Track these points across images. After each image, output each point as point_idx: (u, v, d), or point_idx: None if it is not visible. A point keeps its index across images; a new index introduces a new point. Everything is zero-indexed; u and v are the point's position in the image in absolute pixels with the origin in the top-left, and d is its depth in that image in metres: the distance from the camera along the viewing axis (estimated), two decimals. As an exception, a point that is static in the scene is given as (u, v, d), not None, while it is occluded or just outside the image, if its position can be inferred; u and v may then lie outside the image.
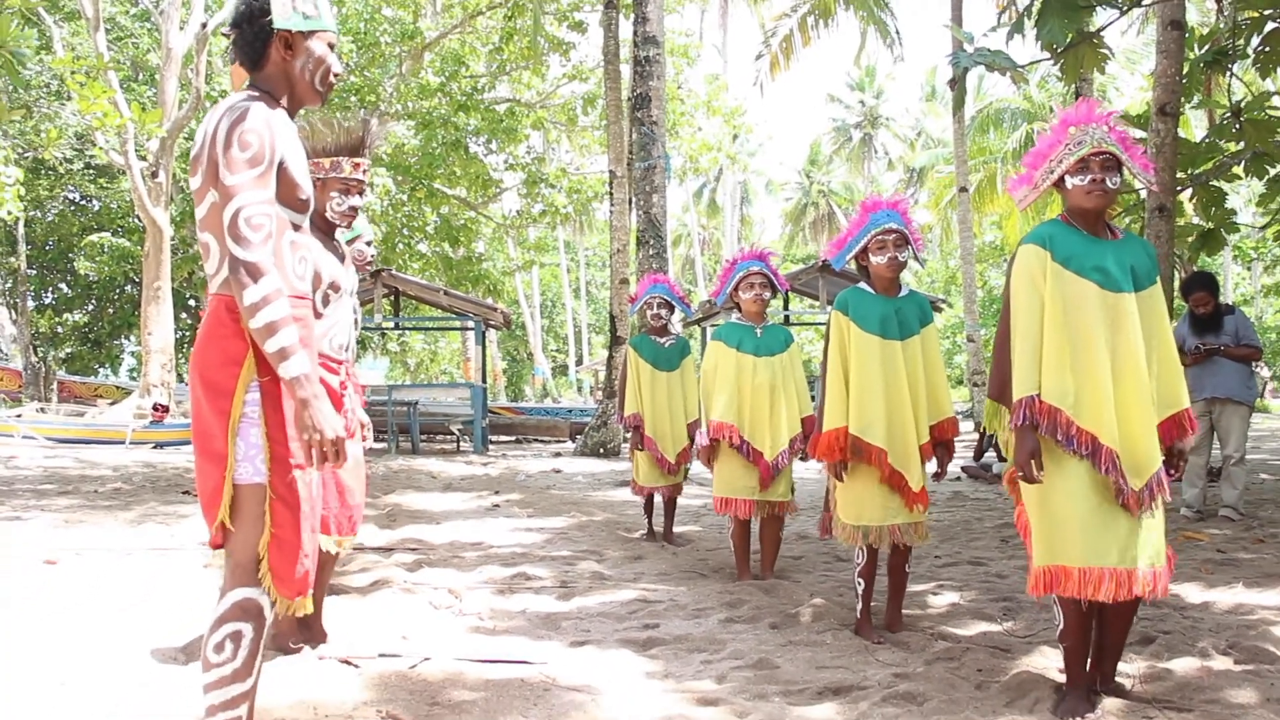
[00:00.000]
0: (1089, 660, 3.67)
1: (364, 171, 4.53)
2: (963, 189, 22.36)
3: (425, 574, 6.31)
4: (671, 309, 7.65)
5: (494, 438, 22.42)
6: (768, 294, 6.12)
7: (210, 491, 2.74)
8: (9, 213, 14.96)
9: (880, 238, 4.68)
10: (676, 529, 8.00)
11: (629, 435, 7.79)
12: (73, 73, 16.51)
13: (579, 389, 52.79)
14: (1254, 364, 8.73)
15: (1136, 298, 3.50)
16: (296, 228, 2.84)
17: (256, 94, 2.82)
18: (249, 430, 2.72)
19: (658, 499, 7.88)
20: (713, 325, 22.02)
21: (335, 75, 2.97)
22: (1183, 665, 4.04)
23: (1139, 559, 3.38)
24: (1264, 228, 14.48)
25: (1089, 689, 3.58)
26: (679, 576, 6.29)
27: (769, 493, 5.97)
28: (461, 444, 20.56)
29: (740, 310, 6.22)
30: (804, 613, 5.09)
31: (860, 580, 4.76)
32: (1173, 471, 3.54)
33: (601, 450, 17.41)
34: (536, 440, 23.76)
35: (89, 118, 17.17)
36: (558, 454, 18.95)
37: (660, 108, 12.49)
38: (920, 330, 4.77)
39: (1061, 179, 3.54)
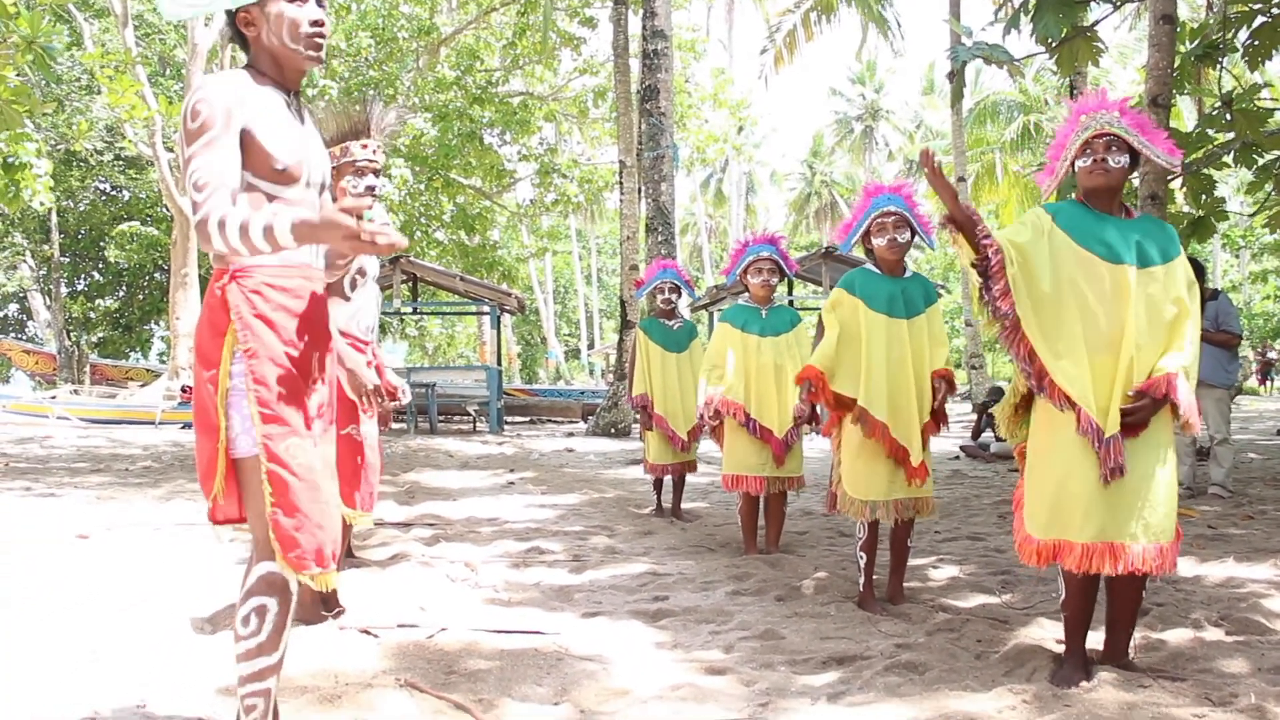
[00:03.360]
0: (1101, 634, 3.77)
1: (374, 151, 4.58)
2: (961, 179, 22.93)
3: (442, 548, 6.53)
4: (680, 293, 7.93)
5: (509, 418, 22.88)
6: (775, 279, 6.24)
7: (205, 464, 2.72)
8: (41, 203, 15.52)
9: (880, 220, 4.79)
10: (684, 505, 8.22)
11: (640, 416, 7.98)
12: (102, 67, 17.15)
13: (591, 372, 53.23)
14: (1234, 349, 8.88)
15: (1143, 272, 3.52)
16: (271, 198, 2.73)
17: (246, 70, 2.80)
18: (239, 402, 2.68)
19: (667, 478, 8.08)
20: (719, 310, 22.72)
21: (314, 24, 2.80)
22: (1176, 636, 4.14)
23: (1137, 535, 3.40)
24: (1252, 215, 14.68)
25: (1087, 658, 3.64)
26: (687, 551, 6.47)
27: (782, 469, 6.09)
28: (478, 424, 21.07)
29: (748, 292, 6.37)
30: (808, 585, 5.24)
31: (862, 554, 4.86)
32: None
33: (613, 430, 17.98)
34: (550, 421, 24.27)
35: (118, 110, 17.84)
36: (570, 434, 19.44)
37: (668, 100, 13.13)
38: (925, 310, 4.89)
39: (1072, 163, 3.63)
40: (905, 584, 5.07)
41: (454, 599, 5.10)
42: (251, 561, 2.75)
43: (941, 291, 24.56)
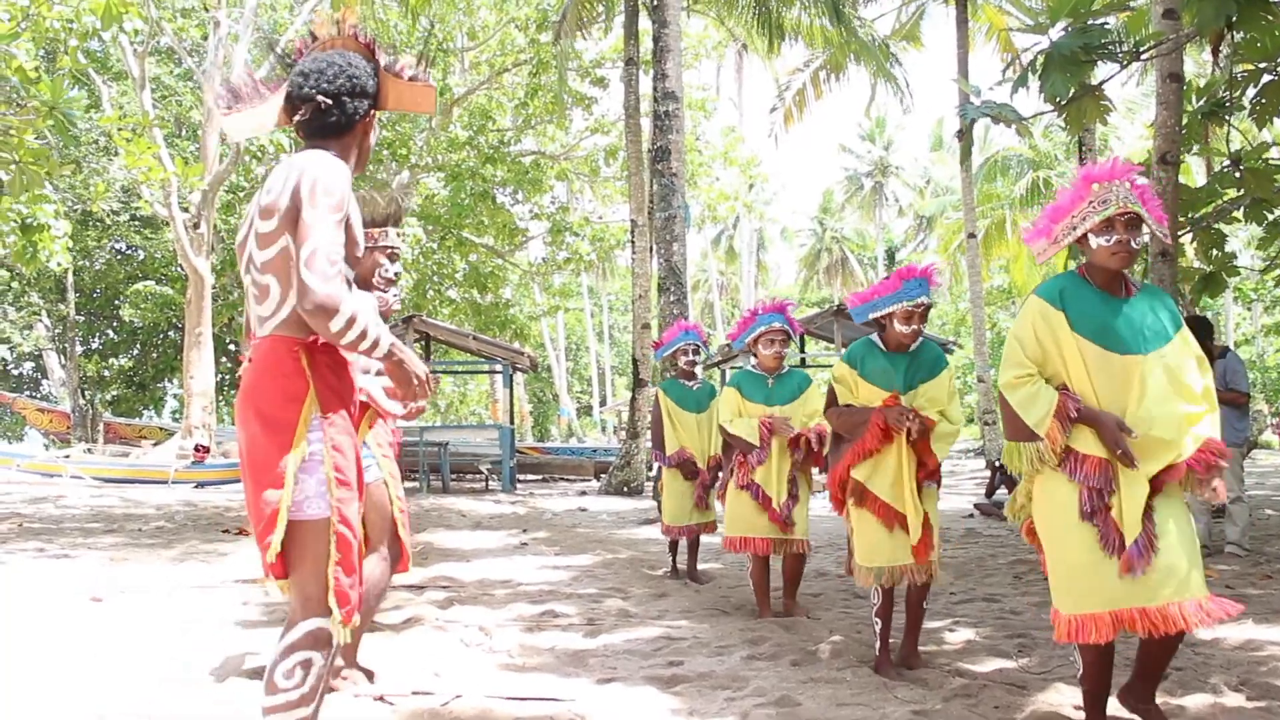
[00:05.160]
0: (1127, 684, 3.73)
1: (397, 236, 4.78)
2: (971, 235, 23.02)
3: (456, 611, 6.48)
4: (700, 354, 7.96)
5: (521, 476, 22.91)
6: (785, 348, 6.30)
7: (266, 522, 2.79)
8: (59, 264, 15.65)
9: (909, 309, 4.74)
10: (699, 566, 8.16)
11: (655, 477, 8.09)
12: (119, 129, 17.36)
13: (603, 429, 53.30)
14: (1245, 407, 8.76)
15: (1148, 358, 3.44)
16: (348, 282, 2.89)
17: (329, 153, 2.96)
18: (315, 467, 2.80)
19: (682, 540, 8.06)
20: (732, 368, 22.74)
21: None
22: (1195, 702, 4.08)
23: (1170, 595, 3.34)
24: (1264, 271, 14.64)
25: None
26: (702, 614, 6.40)
27: (789, 533, 6.12)
28: (490, 483, 21.05)
29: (756, 359, 6.44)
30: (824, 650, 5.19)
31: (877, 620, 4.82)
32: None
33: (625, 489, 17.96)
34: (562, 479, 24.29)
35: (135, 172, 18.02)
36: (583, 492, 19.42)
37: (680, 160, 13.23)
38: (932, 379, 4.85)
39: (1084, 236, 3.49)
40: (921, 647, 5.04)
41: (468, 664, 5.08)
42: (296, 618, 2.83)
43: (953, 347, 24.65)
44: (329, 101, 2.94)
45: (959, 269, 34.76)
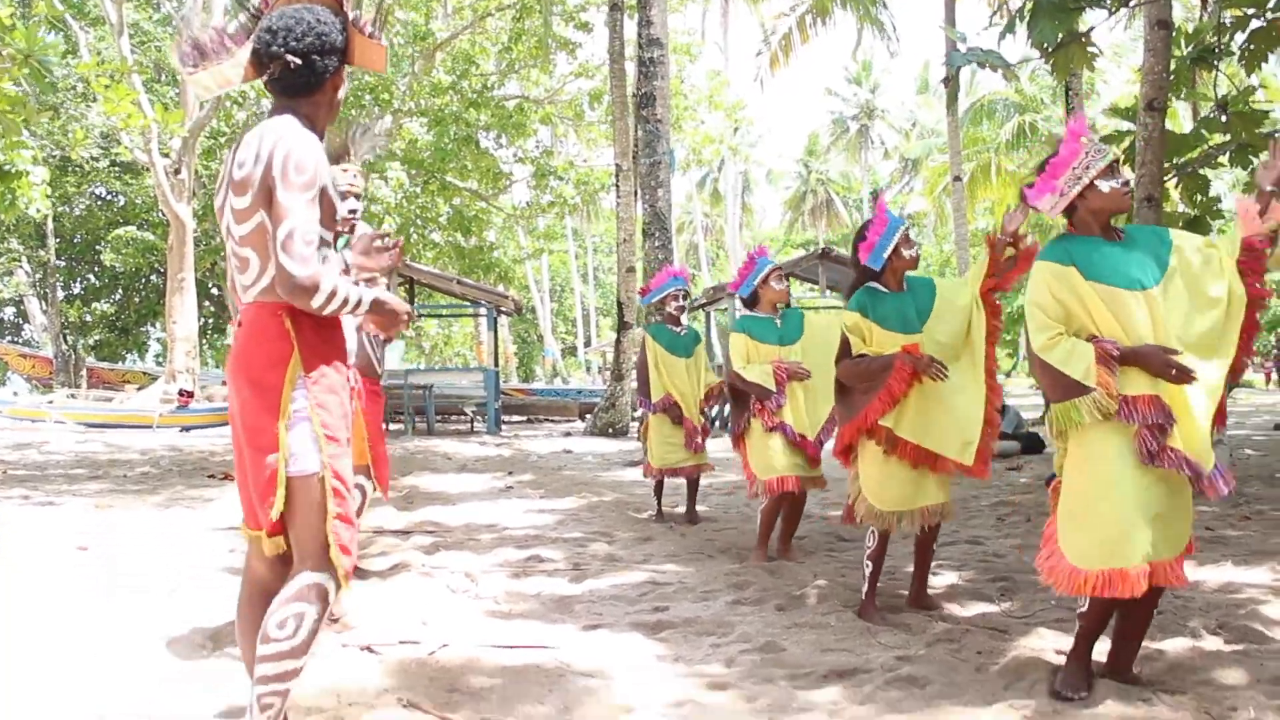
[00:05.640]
0: (1109, 650, 3.76)
1: (354, 175, 4.74)
2: (956, 178, 23.02)
3: (442, 557, 6.52)
4: (688, 299, 8.10)
5: (506, 418, 23.00)
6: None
7: (264, 483, 2.86)
8: (38, 211, 15.53)
9: (905, 232, 4.86)
10: (680, 509, 8.31)
11: (639, 419, 8.20)
12: (97, 76, 17.16)
13: (587, 369, 53.43)
14: None
15: (1160, 290, 3.51)
16: (325, 243, 2.91)
17: (298, 119, 2.93)
18: (300, 424, 2.86)
19: (669, 481, 8.21)
20: (716, 309, 22.78)
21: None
22: (1174, 646, 4.12)
23: (1174, 549, 3.47)
24: None
25: (1090, 668, 3.64)
26: (687, 558, 6.47)
27: (814, 470, 6.25)
28: (475, 425, 21.12)
29: (757, 303, 6.49)
30: (809, 594, 5.22)
31: (869, 563, 4.84)
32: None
33: (610, 430, 18.05)
34: (547, 420, 24.39)
35: (114, 119, 17.86)
36: (568, 434, 19.52)
37: (664, 106, 13.15)
38: (935, 308, 4.87)
39: (1091, 184, 3.55)
40: (900, 591, 5.13)
41: (455, 611, 5.10)
42: (293, 570, 2.89)
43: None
44: (298, 61, 2.90)
45: (944, 211, 34.78)
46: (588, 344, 55.83)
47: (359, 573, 5.77)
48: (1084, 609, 3.59)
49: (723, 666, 4.10)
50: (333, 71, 2.99)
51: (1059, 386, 3.51)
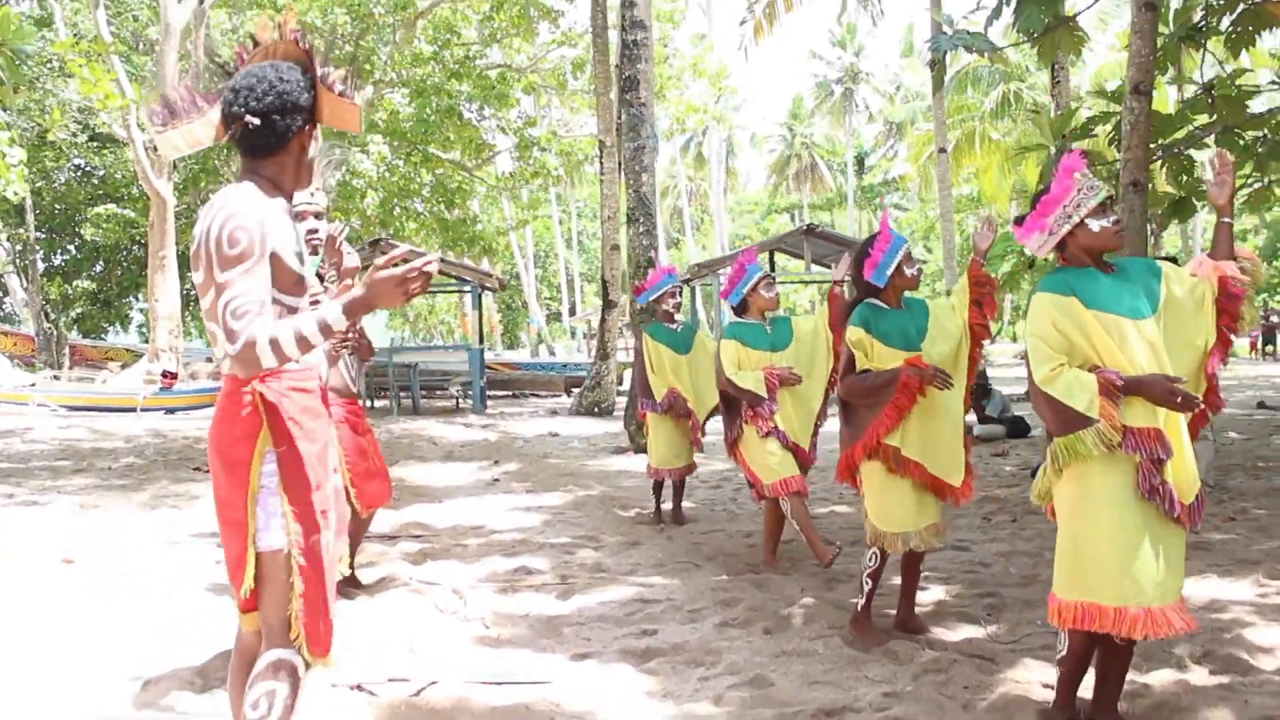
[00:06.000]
0: (1093, 691, 3.72)
1: (312, 193, 4.69)
2: (941, 149, 22.95)
3: (430, 568, 6.59)
4: (681, 296, 8.15)
5: (492, 393, 23.03)
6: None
7: (235, 559, 2.85)
8: (15, 194, 15.37)
9: (909, 250, 4.91)
10: (665, 507, 8.27)
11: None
12: (74, 56, 16.90)
13: (572, 335, 53.45)
14: None
15: (1158, 319, 3.53)
16: (293, 310, 2.86)
17: (254, 181, 2.87)
18: (268, 499, 2.82)
19: (667, 481, 8.17)
20: (701, 284, 22.76)
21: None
22: (1160, 679, 4.13)
23: (1171, 597, 3.41)
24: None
25: (1075, 712, 3.65)
26: (674, 568, 6.52)
27: (804, 474, 6.28)
28: (460, 402, 21.14)
29: (747, 309, 6.50)
30: (795, 615, 5.23)
31: (868, 580, 4.89)
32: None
33: (596, 409, 18.09)
34: (533, 395, 24.44)
35: (92, 99, 17.64)
36: (554, 411, 19.57)
37: (649, 90, 13.00)
38: (930, 327, 4.91)
39: (1081, 221, 3.54)
40: (887, 610, 5.12)
41: (443, 636, 5.11)
42: (261, 649, 2.87)
43: (927, 256, 24.66)
44: (256, 121, 2.82)
45: (929, 178, 34.67)
46: (572, 311, 55.76)
47: (347, 589, 5.76)
48: (1063, 653, 3.60)
49: (711, 705, 4.10)
50: (295, 131, 2.90)
51: (1061, 419, 3.46)
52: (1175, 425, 3.46)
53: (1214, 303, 3.61)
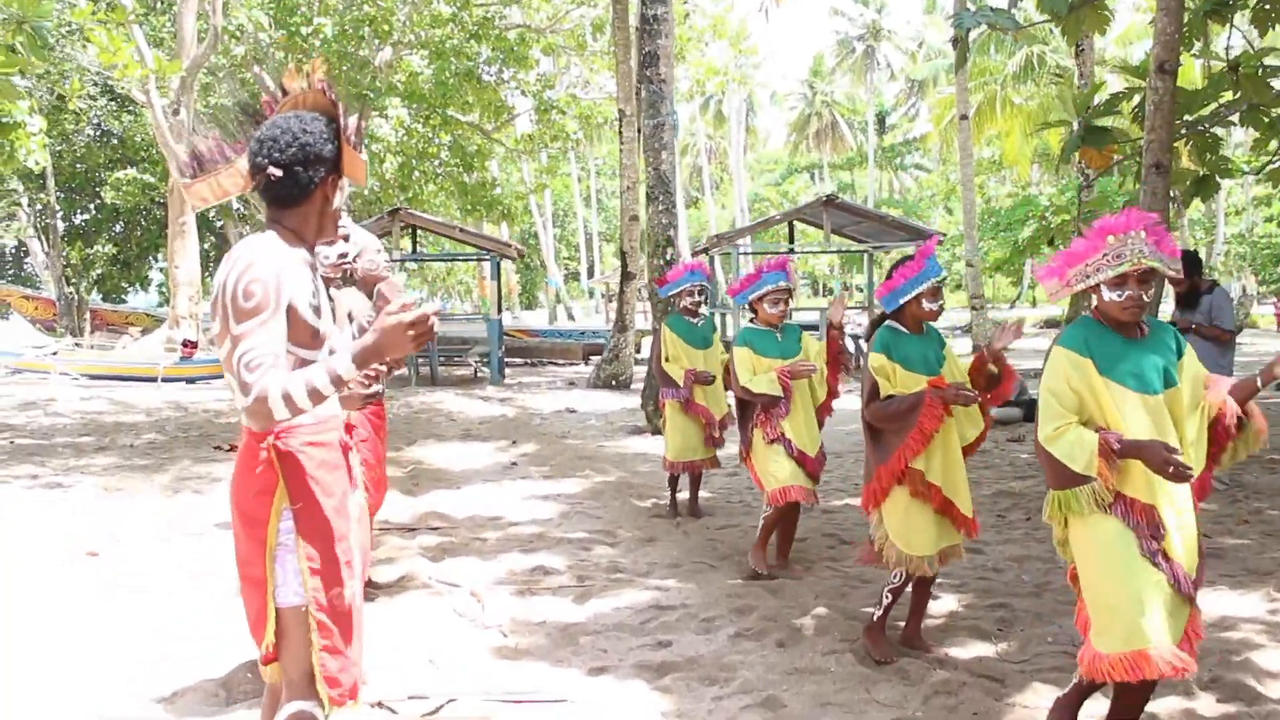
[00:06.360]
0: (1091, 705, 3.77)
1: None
2: (963, 116, 22.82)
3: (448, 565, 6.67)
4: (705, 294, 8.09)
5: (509, 359, 23.12)
6: (789, 307, 6.46)
7: (255, 615, 2.90)
8: (36, 162, 15.39)
9: (935, 284, 4.84)
10: (681, 498, 8.34)
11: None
12: (92, 27, 16.85)
13: (590, 294, 53.42)
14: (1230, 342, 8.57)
15: (1168, 395, 3.52)
16: (304, 362, 2.84)
17: (276, 232, 2.88)
18: (285, 556, 2.85)
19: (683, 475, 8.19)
20: (718, 254, 22.73)
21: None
22: (1167, 707, 4.16)
23: (1177, 636, 3.46)
24: (1256, 172, 14.51)
25: None
26: (690, 568, 6.57)
27: (814, 484, 6.31)
28: (479, 372, 21.22)
29: (756, 315, 6.48)
30: (808, 627, 5.31)
31: (889, 595, 4.93)
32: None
33: (614, 383, 18.12)
34: (551, 363, 24.54)
35: (111, 69, 17.61)
36: (571, 383, 19.58)
37: (668, 66, 12.86)
38: (946, 358, 4.96)
39: (1097, 285, 3.52)
40: (898, 622, 5.16)
41: (462, 645, 5.19)
42: (282, 700, 2.93)
43: (941, 237, 24.45)
44: (279, 173, 2.83)
45: (950, 141, 34.45)
46: (591, 272, 55.68)
47: (366, 590, 5.85)
48: (1112, 710, 3.68)
49: (724, 728, 4.12)
50: (318, 183, 2.91)
51: (1059, 476, 3.53)
52: (1173, 498, 3.48)
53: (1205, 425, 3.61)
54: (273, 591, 2.85)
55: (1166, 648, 3.39)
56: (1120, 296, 3.48)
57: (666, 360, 7.99)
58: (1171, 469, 3.32)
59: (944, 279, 4.89)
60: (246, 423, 2.82)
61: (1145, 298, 3.48)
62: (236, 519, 2.90)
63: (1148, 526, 3.45)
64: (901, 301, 4.89)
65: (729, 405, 7.84)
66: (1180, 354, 3.61)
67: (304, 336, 2.83)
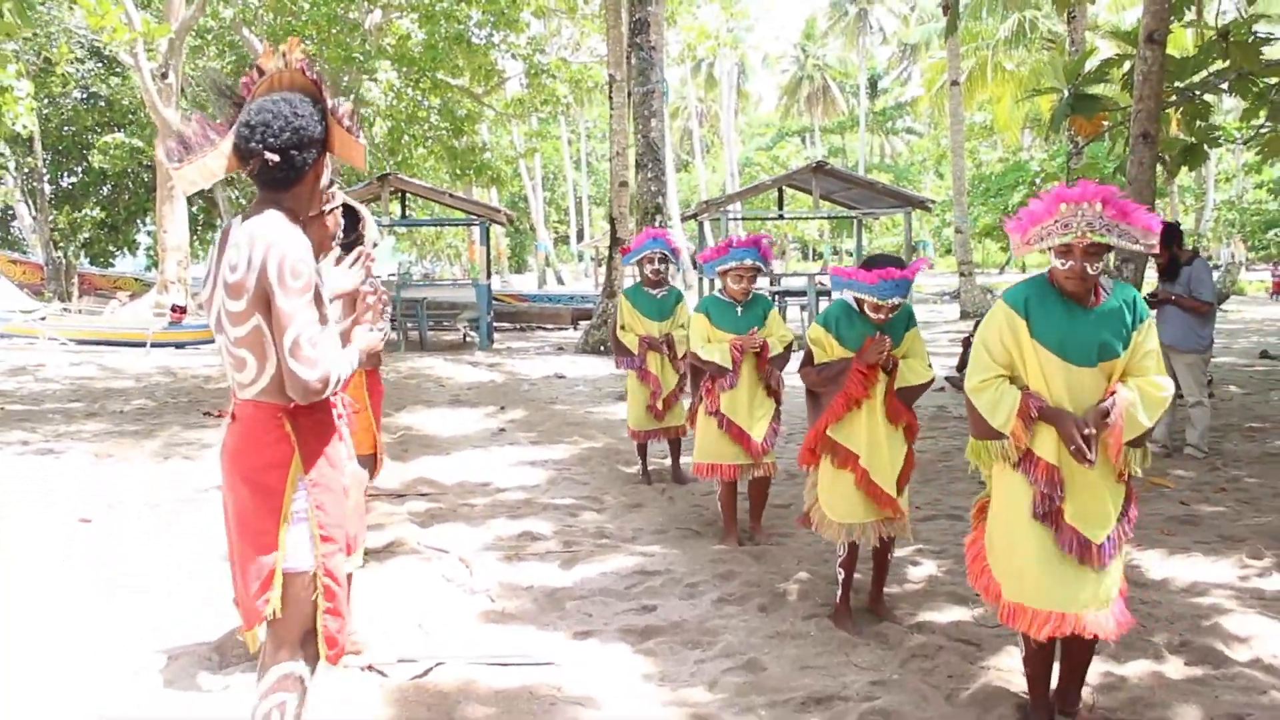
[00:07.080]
0: (1053, 683, 3.85)
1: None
2: (954, 82, 22.80)
3: (437, 531, 6.74)
4: (668, 263, 7.96)
5: (498, 324, 23.09)
6: (753, 284, 6.34)
7: (260, 580, 2.92)
8: (24, 127, 15.29)
9: (878, 303, 4.72)
10: (661, 465, 8.46)
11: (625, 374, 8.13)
12: (80, -4, 16.70)
13: (580, 258, 53.29)
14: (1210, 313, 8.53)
15: (1103, 368, 3.54)
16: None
17: (282, 212, 2.93)
18: (299, 525, 2.93)
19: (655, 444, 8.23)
20: (708, 220, 22.73)
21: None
22: (1136, 670, 4.26)
23: (1090, 605, 3.51)
24: (1245, 143, 14.50)
25: (1050, 709, 3.79)
26: (675, 535, 6.62)
27: (757, 459, 6.25)
28: (468, 337, 21.26)
29: (724, 286, 6.36)
30: (790, 591, 5.38)
31: (841, 570, 4.96)
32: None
33: (602, 348, 18.14)
34: (539, 328, 24.55)
35: (99, 34, 17.48)
36: (560, 347, 19.62)
37: (659, 34, 12.85)
38: (902, 340, 4.89)
39: (1047, 250, 3.54)
40: (885, 587, 5.23)
41: (450, 610, 5.27)
42: (268, 662, 2.99)
43: (930, 206, 24.39)
44: (276, 159, 2.87)
45: (942, 106, 34.39)
46: (580, 236, 55.52)
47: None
48: (1025, 654, 3.78)
49: (706, 690, 4.26)
50: (312, 163, 2.97)
51: (978, 426, 3.67)
52: (1081, 472, 3.53)
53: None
54: (283, 557, 2.92)
55: (1048, 612, 3.51)
56: (1064, 266, 3.50)
57: (622, 329, 7.97)
58: (1074, 449, 3.44)
59: (891, 305, 4.76)
60: (257, 396, 2.91)
61: (1090, 269, 3.46)
62: (243, 488, 2.94)
63: (1047, 486, 3.53)
64: (851, 299, 4.91)
65: (680, 376, 7.89)
66: (1136, 326, 3.58)
67: (321, 315, 2.94)
